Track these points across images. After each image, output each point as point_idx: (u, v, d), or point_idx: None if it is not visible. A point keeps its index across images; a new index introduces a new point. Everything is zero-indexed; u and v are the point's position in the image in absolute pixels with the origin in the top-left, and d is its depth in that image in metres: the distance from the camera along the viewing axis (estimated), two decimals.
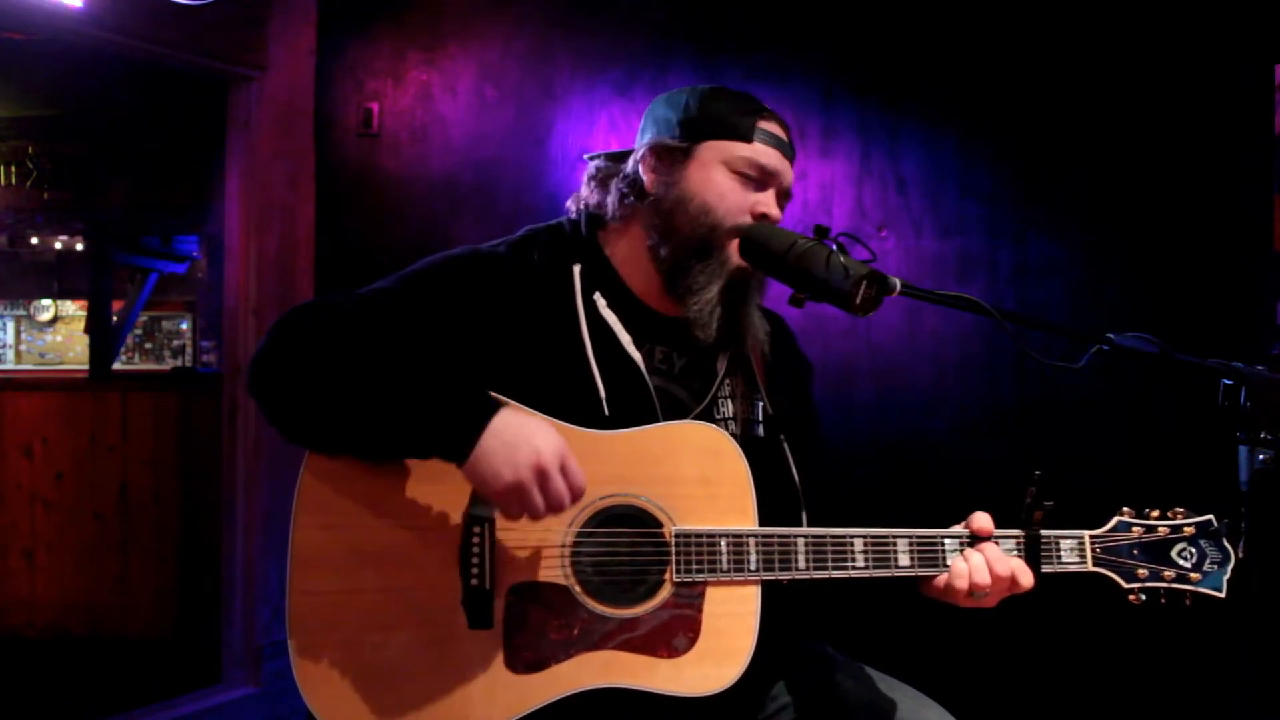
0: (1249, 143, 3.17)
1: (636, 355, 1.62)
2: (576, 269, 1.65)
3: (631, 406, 1.59)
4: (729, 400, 1.70)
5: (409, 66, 3.97)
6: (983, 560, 1.55)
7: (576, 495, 1.43)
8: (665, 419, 1.60)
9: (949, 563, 1.56)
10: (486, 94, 3.90)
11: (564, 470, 1.40)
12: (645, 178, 1.66)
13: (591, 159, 1.76)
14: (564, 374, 1.58)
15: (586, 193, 1.73)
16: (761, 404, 1.73)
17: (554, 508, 1.41)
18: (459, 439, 1.40)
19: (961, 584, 1.54)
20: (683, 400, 1.66)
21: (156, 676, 4.02)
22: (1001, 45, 3.41)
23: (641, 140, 1.71)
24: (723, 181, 1.62)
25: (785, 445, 1.70)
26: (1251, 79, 3.17)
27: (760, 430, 1.71)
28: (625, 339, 1.63)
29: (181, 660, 4.24)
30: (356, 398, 1.43)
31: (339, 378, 1.43)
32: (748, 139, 1.63)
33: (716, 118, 1.64)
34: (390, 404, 1.42)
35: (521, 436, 1.39)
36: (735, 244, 1.61)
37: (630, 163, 1.69)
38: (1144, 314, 3.23)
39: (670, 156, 1.65)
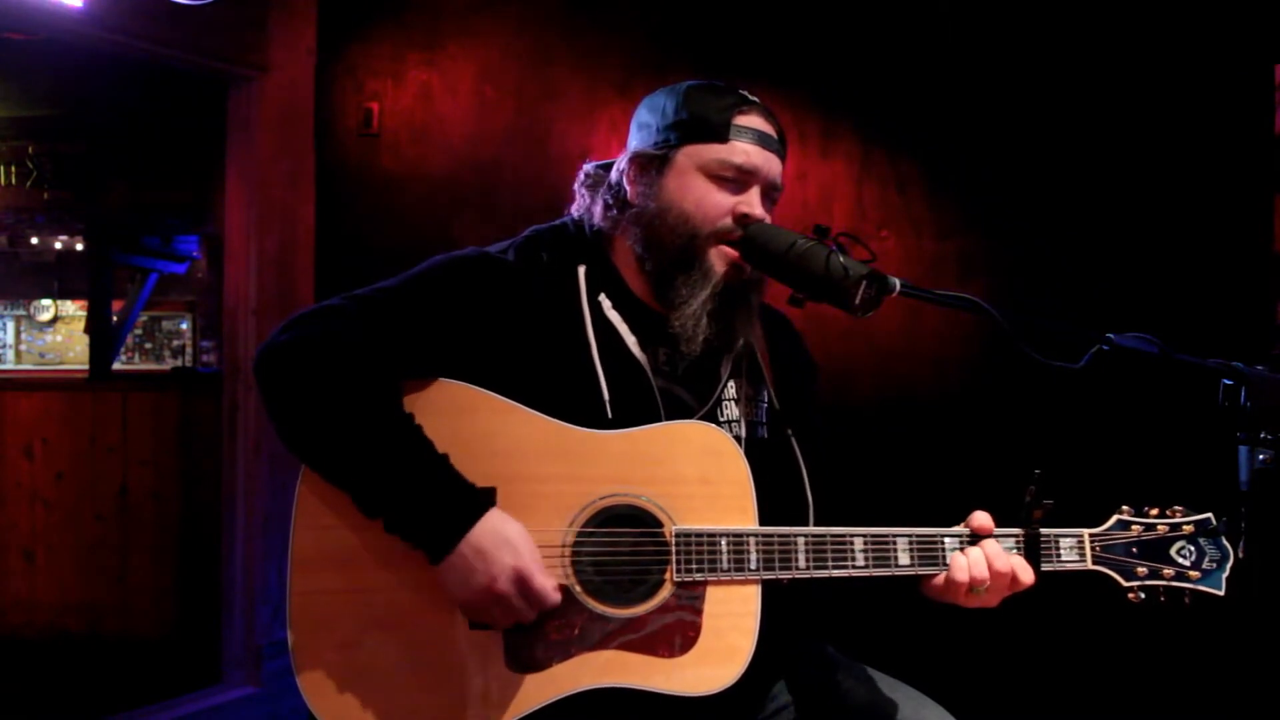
0: (1249, 143, 3.17)
1: (641, 357, 1.62)
2: (581, 270, 1.65)
3: (635, 408, 1.59)
4: (733, 403, 1.70)
5: (409, 66, 3.97)
6: (981, 555, 1.55)
7: (541, 610, 1.47)
8: (669, 421, 1.59)
9: (948, 560, 1.57)
10: (486, 94, 3.90)
11: (524, 593, 1.44)
12: (628, 189, 1.64)
13: (586, 170, 1.74)
14: (569, 375, 1.58)
15: (578, 201, 1.72)
16: (766, 406, 1.72)
17: (515, 620, 1.47)
18: (431, 547, 1.45)
19: (961, 577, 1.54)
20: (686, 402, 1.65)
21: (156, 676, 4.02)
22: (1002, 46, 3.41)
23: (627, 147, 1.69)
24: (699, 187, 1.59)
25: (794, 443, 1.69)
26: (1251, 79, 3.17)
27: (764, 433, 1.71)
28: (630, 340, 1.62)
29: (181, 660, 4.23)
30: (347, 461, 1.47)
31: (335, 438, 1.47)
32: (723, 138, 1.58)
33: (692, 119, 1.60)
34: (377, 486, 1.47)
35: (483, 560, 1.43)
36: (719, 251, 1.59)
37: (614, 173, 1.67)
38: (1144, 314, 3.22)
39: (649, 166, 1.62)
